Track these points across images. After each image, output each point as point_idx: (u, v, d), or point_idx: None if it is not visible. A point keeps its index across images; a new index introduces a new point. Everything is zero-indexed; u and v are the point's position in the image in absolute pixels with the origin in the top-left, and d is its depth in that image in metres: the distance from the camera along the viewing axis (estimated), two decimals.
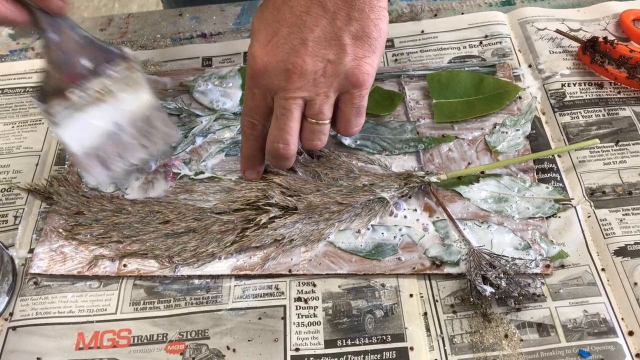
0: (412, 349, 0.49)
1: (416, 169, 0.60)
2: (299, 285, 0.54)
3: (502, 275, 0.51)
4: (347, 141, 0.62)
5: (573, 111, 0.64)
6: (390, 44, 0.73)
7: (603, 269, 0.53)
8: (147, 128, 0.56)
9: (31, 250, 0.57)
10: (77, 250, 0.56)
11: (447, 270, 0.53)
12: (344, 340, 0.50)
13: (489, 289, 0.50)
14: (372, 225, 0.56)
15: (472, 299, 0.51)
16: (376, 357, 0.49)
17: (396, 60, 0.71)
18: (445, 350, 0.49)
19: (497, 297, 0.51)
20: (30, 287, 0.55)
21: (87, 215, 0.58)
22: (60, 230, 0.58)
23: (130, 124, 0.55)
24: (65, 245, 0.57)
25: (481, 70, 0.68)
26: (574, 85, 0.66)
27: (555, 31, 0.70)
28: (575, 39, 0.69)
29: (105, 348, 0.51)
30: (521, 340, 0.49)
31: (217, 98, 0.67)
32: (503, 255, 0.53)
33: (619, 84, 0.66)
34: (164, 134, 0.57)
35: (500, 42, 0.71)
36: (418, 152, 0.61)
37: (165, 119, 0.57)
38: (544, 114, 0.65)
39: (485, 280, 0.51)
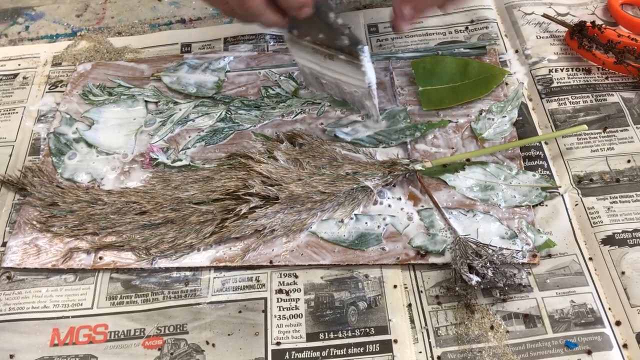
0: (395, 341, 0.48)
1: (399, 155, 0.59)
2: (281, 276, 0.52)
3: (488, 264, 0.50)
4: (341, 134, 0.60)
5: (560, 97, 0.63)
6: (374, 29, 0.71)
7: (590, 258, 0.52)
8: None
9: (4, 244, 0.56)
10: (52, 242, 0.55)
11: (432, 260, 0.52)
12: (326, 334, 0.49)
13: (475, 278, 0.49)
14: (355, 214, 0.55)
15: (457, 289, 0.50)
16: (359, 350, 0.48)
17: (380, 45, 0.70)
18: (429, 343, 0.48)
19: (482, 287, 0.50)
20: (3, 282, 0.53)
21: (61, 206, 0.56)
22: (34, 222, 0.56)
23: None
24: (39, 237, 0.55)
25: (471, 52, 0.66)
26: (562, 70, 0.65)
27: (542, 15, 0.69)
28: (563, 23, 0.67)
29: (81, 344, 0.50)
30: (507, 331, 0.48)
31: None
32: (490, 245, 0.52)
33: (606, 69, 0.64)
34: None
35: (486, 27, 0.70)
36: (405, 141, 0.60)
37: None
38: (530, 100, 0.64)
39: (471, 269, 0.50)
